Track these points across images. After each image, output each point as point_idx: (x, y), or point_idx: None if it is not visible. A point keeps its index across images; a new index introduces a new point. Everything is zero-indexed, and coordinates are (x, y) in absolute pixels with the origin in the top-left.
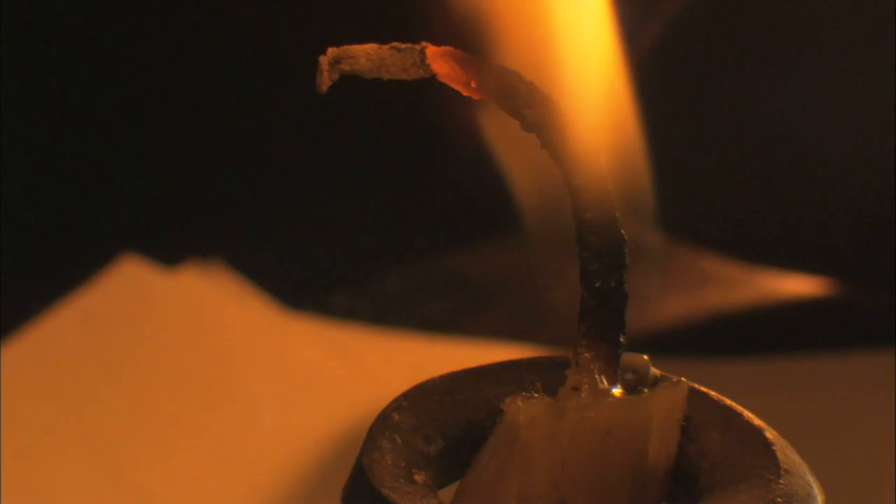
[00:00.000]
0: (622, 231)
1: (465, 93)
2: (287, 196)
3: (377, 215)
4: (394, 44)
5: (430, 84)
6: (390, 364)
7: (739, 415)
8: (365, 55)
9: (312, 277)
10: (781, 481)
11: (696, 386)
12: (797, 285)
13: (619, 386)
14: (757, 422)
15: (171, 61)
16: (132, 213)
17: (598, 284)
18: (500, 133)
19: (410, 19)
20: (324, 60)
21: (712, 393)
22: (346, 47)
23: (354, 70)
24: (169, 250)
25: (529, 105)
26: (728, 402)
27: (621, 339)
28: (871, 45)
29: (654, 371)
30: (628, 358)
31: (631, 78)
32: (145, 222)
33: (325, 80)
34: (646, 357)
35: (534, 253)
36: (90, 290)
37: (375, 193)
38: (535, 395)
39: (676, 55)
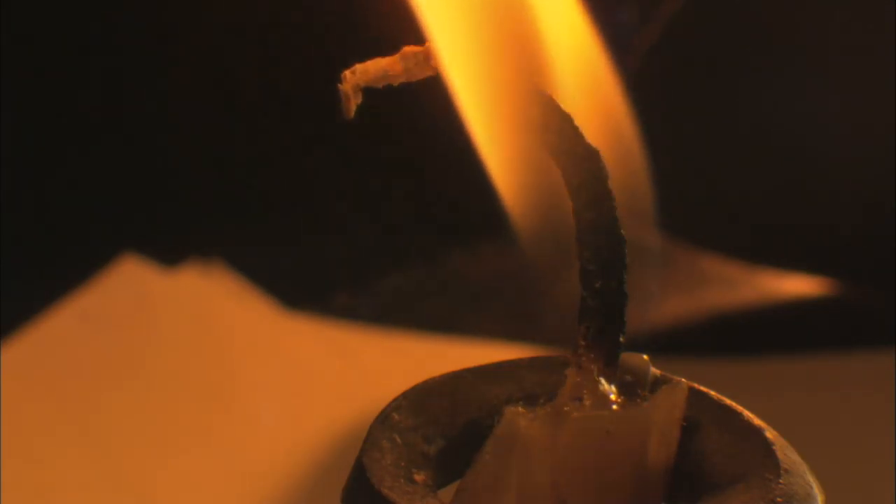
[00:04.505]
0: (622, 231)
1: None
2: (287, 196)
3: (377, 215)
4: (405, 49)
5: (431, 84)
6: (390, 364)
7: (739, 415)
8: (374, 66)
9: (312, 277)
10: (781, 481)
11: (696, 386)
12: (797, 285)
13: (618, 387)
14: (757, 422)
15: (171, 61)
16: (132, 213)
17: (597, 284)
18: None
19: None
20: (347, 88)
21: (712, 393)
22: (357, 67)
23: (369, 84)
24: (169, 250)
25: (531, 106)
26: (728, 402)
27: (621, 340)
28: (872, 46)
29: (654, 371)
30: (628, 358)
31: (630, 77)
32: (145, 222)
33: (352, 107)
34: (646, 357)
35: (526, 256)
36: (90, 290)
37: (375, 193)
38: (538, 399)
39: (676, 55)
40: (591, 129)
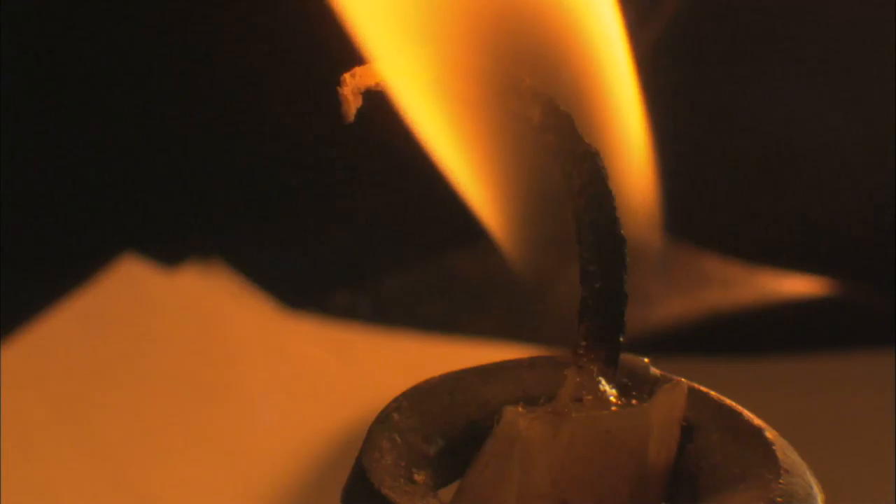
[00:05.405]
0: (622, 231)
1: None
2: (287, 196)
3: (377, 215)
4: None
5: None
6: (390, 364)
7: (739, 415)
8: (374, 69)
9: (312, 277)
10: (781, 481)
11: (696, 386)
12: (797, 285)
13: (618, 388)
14: (757, 422)
15: (171, 61)
16: (132, 213)
17: (597, 285)
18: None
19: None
20: (347, 91)
21: (712, 393)
22: (357, 70)
23: (369, 87)
24: (169, 250)
25: (531, 106)
26: (728, 402)
27: (621, 340)
28: (872, 46)
29: (654, 371)
30: (628, 360)
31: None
32: (145, 222)
33: (352, 110)
34: (646, 360)
35: (511, 261)
36: (90, 290)
37: (375, 193)
38: (538, 399)
39: (676, 54)
40: (599, 128)
